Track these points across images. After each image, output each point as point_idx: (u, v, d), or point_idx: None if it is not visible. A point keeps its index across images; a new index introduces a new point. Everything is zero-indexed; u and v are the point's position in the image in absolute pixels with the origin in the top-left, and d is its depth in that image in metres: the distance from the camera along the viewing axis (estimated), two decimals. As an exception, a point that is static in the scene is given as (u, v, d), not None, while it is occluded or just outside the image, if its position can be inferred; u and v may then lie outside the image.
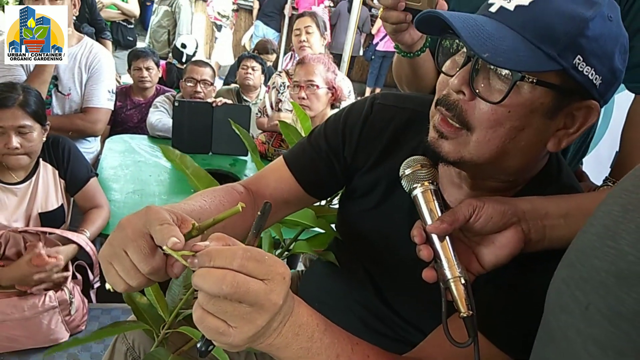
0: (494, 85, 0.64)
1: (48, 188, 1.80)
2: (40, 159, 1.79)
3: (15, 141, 1.62)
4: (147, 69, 2.92)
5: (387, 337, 0.90)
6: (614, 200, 0.43)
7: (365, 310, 0.93)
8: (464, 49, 0.67)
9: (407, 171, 0.72)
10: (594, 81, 0.62)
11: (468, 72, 0.65)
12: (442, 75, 0.72)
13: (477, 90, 0.64)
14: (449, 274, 0.66)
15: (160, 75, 3.12)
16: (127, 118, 2.91)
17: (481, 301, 0.71)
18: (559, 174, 0.78)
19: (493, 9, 0.65)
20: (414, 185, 0.71)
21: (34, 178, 1.77)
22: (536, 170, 0.76)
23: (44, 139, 1.75)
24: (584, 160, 1.37)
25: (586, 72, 0.61)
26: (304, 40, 2.73)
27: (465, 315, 0.63)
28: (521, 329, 0.69)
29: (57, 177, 1.82)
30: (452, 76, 0.67)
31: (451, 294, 0.65)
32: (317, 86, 2.12)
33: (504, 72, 0.62)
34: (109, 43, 3.54)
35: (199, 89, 2.72)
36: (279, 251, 1.14)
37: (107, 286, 0.60)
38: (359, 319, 0.94)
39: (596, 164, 1.89)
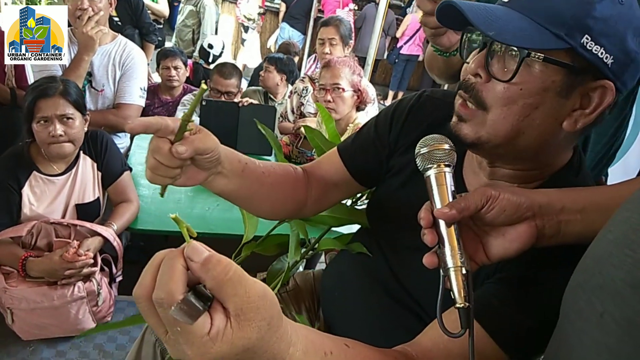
0: (508, 66, 0.68)
1: (86, 180, 1.85)
2: (81, 152, 1.84)
3: (59, 129, 1.68)
4: (175, 68, 2.97)
5: (406, 321, 0.91)
6: (634, 206, 0.43)
7: (385, 295, 0.94)
8: (481, 38, 0.72)
9: (423, 150, 0.68)
10: (605, 60, 0.65)
11: (484, 56, 0.70)
12: (464, 64, 0.76)
13: (491, 72, 0.69)
14: (450, 263, 0.62)
15: (187, 74, 3.17)
16: (154, 116, 2.97)
17: (484, 293, 0.72)
18: (576, 174, 0.79)
19: None
20: (428, 166, 0.67)
21: (73, 170, 1.82)
22: (558, 164, 0.77)
23: (85, 128, 1.81)
24: (609, 169, 1.36)
25: (595, 50, 0.64)
26: (327, 53, 2.71)
27: (461, 306, 0.61)
28: (521, 326, 0.69)
29: (96, 170, 1.88)
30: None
31: (450, 283, 0.62)
32: (343, 89, 2.13)
33: (516, 52, 0.66)
34: (152, 47, 3.55)
35: (223, 99, 2.76)
36: (304, 249, 1.16)
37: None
38: (378, 303, 0.95)
39: (623, 173, 1.86)
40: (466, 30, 0.75)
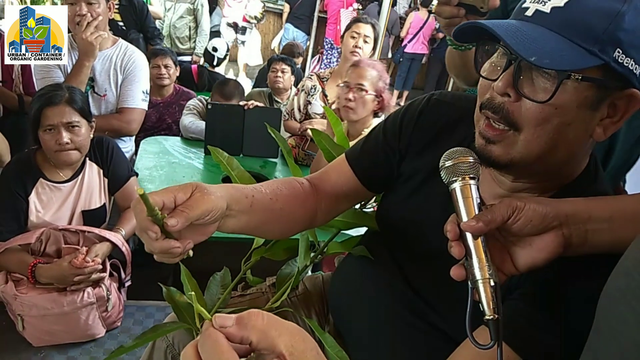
0: (539, 85, 0.66)
1: (93, 187, 1.85)
2: (87, 158, 1.85)
3: (66, 136, 1.68)
4: (166, 66, 2.95)
5: (416, 327, 0.90)
6: None
7: (394, 301, 0.93)
8: (502, 52, 0.69)
9: (448, 163, 0.68)
10: (634, 71, 0.64)
11: (511, 75, 0.67)
12: (482, 79, 0.73)
13: (522, 92, 0.66)
14: (478, 275, 0.63)
15: (178, 74, 3.12)
16: (145, 118, 2.93)
17: (509, 311, 0.70)
18: (594, 180, 0.78)
19: (529, 13, 0.68)
20: (454, 179, 0.67)
21: (80, 177, 1.83)
22: (577, 172, 0.76)
23: (91, 135, 1.81)
24: (627, 175, 1.32)
25: (626, 63, 0.63)
26: (359, 47, 2.64)
27: (490, 318, 0.61)
28: (551, 345, 0.68)
29: (102, 176, 1.88)
30: (493, 80, 0.69)
31: (478, 295, 0.62)
32: (366, 91, 2.10)
33: (548, 71, 0.64)
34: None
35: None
36: (313, 253, 1.15)
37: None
38: (387, 309, 0.94)
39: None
40: (481, 43, 0.73)
